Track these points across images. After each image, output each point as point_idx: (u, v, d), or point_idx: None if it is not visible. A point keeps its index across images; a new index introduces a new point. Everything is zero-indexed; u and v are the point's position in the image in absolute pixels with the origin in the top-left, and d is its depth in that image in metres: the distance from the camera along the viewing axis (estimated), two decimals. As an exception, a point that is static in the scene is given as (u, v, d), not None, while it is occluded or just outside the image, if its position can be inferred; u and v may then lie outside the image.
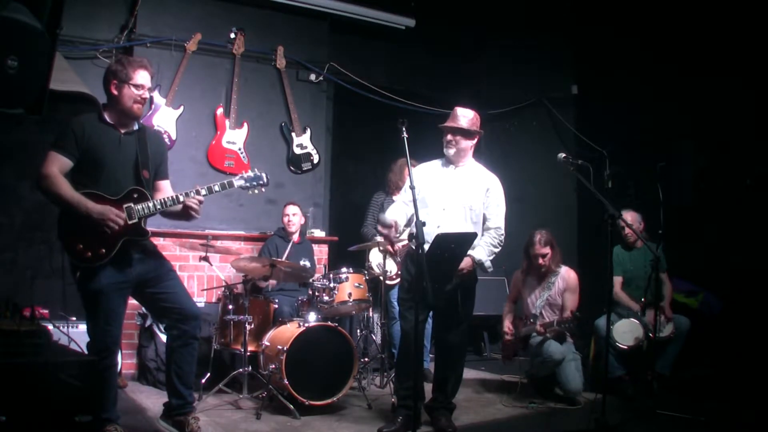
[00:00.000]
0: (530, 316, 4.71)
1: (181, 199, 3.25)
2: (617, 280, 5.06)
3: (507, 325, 4.81)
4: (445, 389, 3.88)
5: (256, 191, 3.51)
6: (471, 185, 3.90)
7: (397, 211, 3.86)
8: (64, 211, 3.10)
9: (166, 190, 3.41)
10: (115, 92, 3.20)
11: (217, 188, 3.33)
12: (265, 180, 3.50)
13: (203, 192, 3.29)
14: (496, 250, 3.91)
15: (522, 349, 4.78)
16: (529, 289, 4.79)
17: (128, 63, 3.23)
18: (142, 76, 3.21)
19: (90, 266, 3.11)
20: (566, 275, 4.73)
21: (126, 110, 3.22)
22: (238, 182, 3.44)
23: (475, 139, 3.95)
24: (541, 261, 4.64)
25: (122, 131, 3.26)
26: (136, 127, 3.32)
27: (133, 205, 3.16)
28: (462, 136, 3.86)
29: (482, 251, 3.83)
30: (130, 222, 3.13)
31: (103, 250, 3.09)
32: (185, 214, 3.30)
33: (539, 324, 4.55)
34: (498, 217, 3.93)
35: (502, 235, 3.95)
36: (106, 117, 3.24)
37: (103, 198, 3.12)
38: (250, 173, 3.49)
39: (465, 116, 3.89)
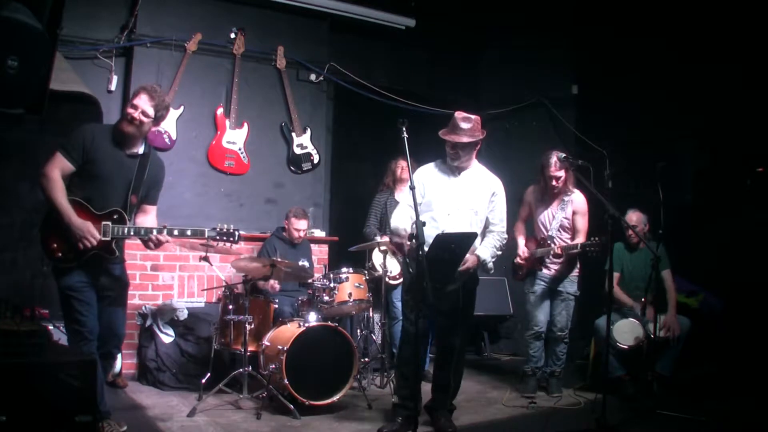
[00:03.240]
0: (546, 237, 4.69)
1: (154, 233, 3.37)
2: (614, 276, 5.07)
3: (522, 248, 4.79)
4: (445, 390, 3.88)
5: (226, 245, 3.61)
6: (476, 190, 3.88)
7: (404, 217, 3.83)
8: (51, 211, 3.25)
9: (151, 215, 3.56)
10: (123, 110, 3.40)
11: (188, 233, 3.45)
12: (235, 238, 3.56)
13: (175, 232, 3.40)
14: (499, 252, 3.93)
15: (539, 268, 4.75)
16: (541, 208, 4.76)
17: (142, 88, 3.37)
18: (138, 98, 3.33)
19: (56, 266, 3.28)
20: (576, 199, 4.70)
21: (119, 127, 3.36)
22: (210, 233, 3.50)
23: (478, 145, 3.90)
24: (555, 183, 4.61)
25: (127, 152, 3.38)
26: (141, 151, 3.44)
27: (110, 225, 3.30)
28: (464, 148, 3.82)
29: (486, 251, 3.84)
30: (103, 239, 3.26)
31: (71, 256, 3.26)
32: (145, 242, 3.44)
33: (558, 246, 4.55)
34: (503, 222, 3.96)
35: (506, 238, 3.98)
36: (116, 134, 3.36)
37: (87, 210, 3.27)
38: (223, 228, 3.52)
39: (466, 124, 3.78)
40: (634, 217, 5.02)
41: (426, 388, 4.05)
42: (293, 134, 6.04)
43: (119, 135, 3.36)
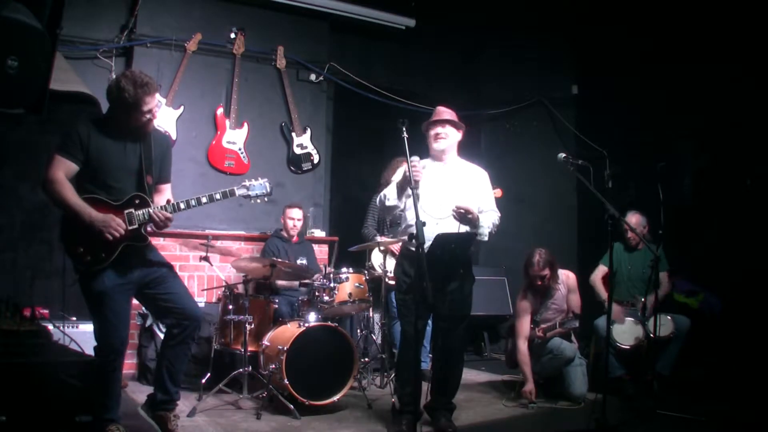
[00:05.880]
0: (531, 322, 4.68)
1: (182, 206, 3.24)
2: (601, 269, 5.11)
3: (530, 385, 4.45)
4: (445, 390, 3.87)
5: (258, 201, 3.52)
6: (464, 180, 3.88)
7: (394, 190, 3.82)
8: (67, 215, 3.10)
9: (166, 193, 3.41)
10: (122, 111, 3.15)
11: (217, 196, 3.33)
12: (267, 189, 3.50)
13: (204, 200, 3.29)
14: (494, 230, 3.89)
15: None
16: (533, 304, 4.70)
17: (137, 86, 3.10)
18: (150, 102, 3.15)
19: (89, 270, 3.11)
20: (565, 279, 4.71)
21: (134, 128, 3.20)
22: (239, 191, 3.43)
23: (461, 133, 3.94)
24: (540, 282, 4.60)
25: (129, 137, 3.23)
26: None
27: (134, 211, 3.16)
28: (452, 127, 3.88)
29: (486, 220, 3.82)
30: (130, 228, 3.13)
31: (103, 255, 3.10)
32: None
33: (539, 329, 4.55)
34: (493, 203, 3.97)
35: (499, 217, 3.96)
36: (112, 123, 3.21)
37: (104, 203, 3.12)
38: (253, 182, 3.48)
39: (448, 111, 3.92)
40: (633, 219, 5.02)
41: (423, 388, 4.04)
42: (293, 134, 6.04)
43: (124, 128, 3.18)
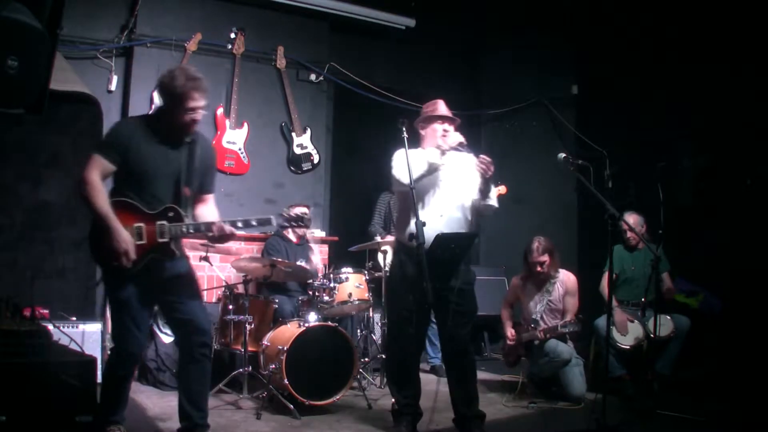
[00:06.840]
0: (530, 321, 4.71)
1: (227, 227, 3.13)
2: (607, 276, 5.09)
3: (509, 331, 4.83)
4: (469, 398, 3.71)
5: (299, 231, 3.48)
6: (463, 170, 3.77)
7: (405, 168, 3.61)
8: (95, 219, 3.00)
9: (209, 204, 3.30)
10: (169, 104, 3.06)
11: (253, 223, 3.24)
12: (305, 221, 3.46)
13: (239, 224, 3.18)
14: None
15: (525, 354, 4.77)
16: (529, 295, 4.78)
17: (188, 79, 3.05)
18: (198, 98, 3.08)
19: (113, 275, 3.02)
20: (565, 279, 4.73)
21: (177, 128, 3.11)
22: (277, 220, 3.32)
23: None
24: (539, 269, 4.63)
25: (171, 143, 3.12)
26: (187, 138, 3.16)
27: (166, 224, 3.03)
28: (452, 124, 3.81)
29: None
30: (159, 240, 3.02)
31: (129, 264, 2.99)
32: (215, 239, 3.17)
33: (540, 330, 4.56)
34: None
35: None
36: (156, 126, 3.11)
37: (138, 210, 3.01)
38: (290, 212, 3.44)
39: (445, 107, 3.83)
40: (630, 219, 5.02)
41: (429, 387, 4.01)
42: (293, 134, 6.04)
43: (167, 130, 3.08)
